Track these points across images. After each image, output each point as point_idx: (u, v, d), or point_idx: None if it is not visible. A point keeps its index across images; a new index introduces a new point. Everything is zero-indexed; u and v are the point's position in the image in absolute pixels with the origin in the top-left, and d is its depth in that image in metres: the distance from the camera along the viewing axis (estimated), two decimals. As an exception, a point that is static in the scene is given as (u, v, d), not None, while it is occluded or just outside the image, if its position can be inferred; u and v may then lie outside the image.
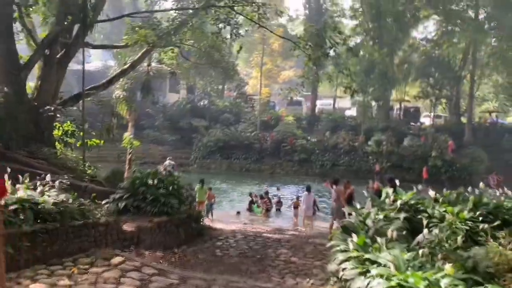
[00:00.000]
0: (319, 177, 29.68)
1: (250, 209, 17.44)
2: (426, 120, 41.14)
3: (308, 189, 15.89)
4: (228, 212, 17.66)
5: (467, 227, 6.33)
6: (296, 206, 16.93)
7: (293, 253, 8.52)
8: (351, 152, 31.15)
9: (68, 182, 7.38)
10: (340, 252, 4.83)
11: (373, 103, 38.53)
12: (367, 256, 4.25)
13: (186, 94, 38.58)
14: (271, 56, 37.76)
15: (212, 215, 15.64)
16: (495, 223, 6.58)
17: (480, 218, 6.68)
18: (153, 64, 19.42)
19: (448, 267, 3.95)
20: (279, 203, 18.03)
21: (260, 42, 36.47)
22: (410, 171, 29.60)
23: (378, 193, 11.16)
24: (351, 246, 4.51)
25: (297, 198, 17.89)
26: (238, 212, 16.80)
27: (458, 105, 39.70)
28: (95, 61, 43.46)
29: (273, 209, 17.85)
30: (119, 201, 8.21)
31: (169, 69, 19.37)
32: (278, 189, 23.13)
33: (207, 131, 33.35)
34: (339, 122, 36.11)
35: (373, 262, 4.16)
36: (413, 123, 37.83)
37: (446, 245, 5.49)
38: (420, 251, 4.19)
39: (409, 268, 4.00)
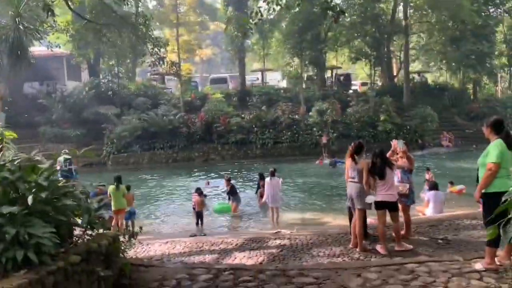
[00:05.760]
0: (261, 158, 25.59)
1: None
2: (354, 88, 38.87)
3: (272, 174, 11.54)
4: (162, 218, 12.69)
5: None
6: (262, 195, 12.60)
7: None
8: (292, 126, 27.26)
9: None
10: None
11: (304, 75, 35.23)
12: None
13: (89, 78, 31.85)
14: (187, 26, 32.42)
15: (132, 227, 10.63)
16: None
17: None
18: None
19: None
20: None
21: (173, 10, 30.90)
22: (359, 140, 26.53)
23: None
24: None
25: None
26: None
27: (390, 66, 37.75)
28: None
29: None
30: None
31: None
32: (208, 183, 17.40)
33: (120, 119, 27.35)
34: (273, 95, 32.03)
35: None
36: (345, 91, 35.10)
37: None
38: None
39: None
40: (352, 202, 6.79)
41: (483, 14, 32.11)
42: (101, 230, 4.69)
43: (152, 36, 15.85)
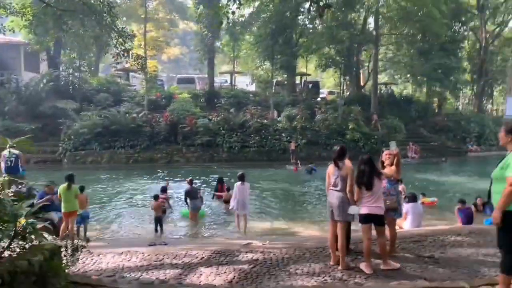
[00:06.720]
0: (227, 162, 24.73)
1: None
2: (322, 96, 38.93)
3: (241, 178, 10.73)
4: (119, 223, 11.60)
5: None
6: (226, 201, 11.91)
7: None
8: (261, 131, 26.58)
9: None
10: None
11: (274, 80, 34.83)
12: None
13: (48, 69, 29.97)
14: (156, 22, 31.16)
15: (85, 233, 9.65)
16: None
17: None
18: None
19: None
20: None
21: (141, 4, 29.69)
22: (327, 148, 26.15)
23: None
24: None
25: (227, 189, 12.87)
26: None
27: (358, 76, 37.94)
28: None
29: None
30: None
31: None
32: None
33: (79, 115, 25.80)
34: (241, 98, 31.35)
35: None
36: (313, 98, 35.00)
37: None
38: None
39: None
40: (332, 213, 6.07)
41: (451, 30, 32.87)
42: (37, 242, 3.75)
43: (118, 27, 14.79)
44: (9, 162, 10.25)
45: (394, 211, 6.36)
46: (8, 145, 10.50)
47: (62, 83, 28.81)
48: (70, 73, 29.52)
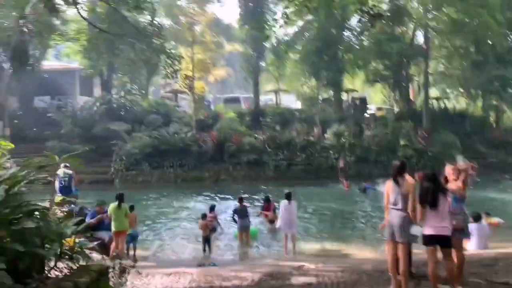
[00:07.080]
0: (274, 180, 24.38)
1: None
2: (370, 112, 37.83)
3: (289, 197, 10.41)
4: (168, 242, 11.57)
5: None
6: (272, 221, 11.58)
7: None
8: (307, 148, 26.17)
9: None
10: None
11: (320, 97, 34.35)
12: None
13: (102, 93, 31.31)
14: (203, 44, 31.90)
15: (134, 253, 9.66)
16: None
17: None
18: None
19: None
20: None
21: (189, 28, 30.54)
22: (377, 165, 25.27)
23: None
24: None
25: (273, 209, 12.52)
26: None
27: (407, 90, 36.67)
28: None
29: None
30: None
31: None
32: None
33: (130, 136, 26.56)
34: (287, 115, 31.17)
35: None
36: (361, 115, 34.09)
37: None
38: None
39: None
40: (392, 233, 5.60)
41: (508, 39, 31.18)
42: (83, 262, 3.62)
43: (166, 49, 15.17)
44: (63, 182, 10.53)
45: (461, 232, 5.80)
46: (60, 164, 10.77)
47: (115, 105, 29.93)
48: (121, 96, 30.65)
